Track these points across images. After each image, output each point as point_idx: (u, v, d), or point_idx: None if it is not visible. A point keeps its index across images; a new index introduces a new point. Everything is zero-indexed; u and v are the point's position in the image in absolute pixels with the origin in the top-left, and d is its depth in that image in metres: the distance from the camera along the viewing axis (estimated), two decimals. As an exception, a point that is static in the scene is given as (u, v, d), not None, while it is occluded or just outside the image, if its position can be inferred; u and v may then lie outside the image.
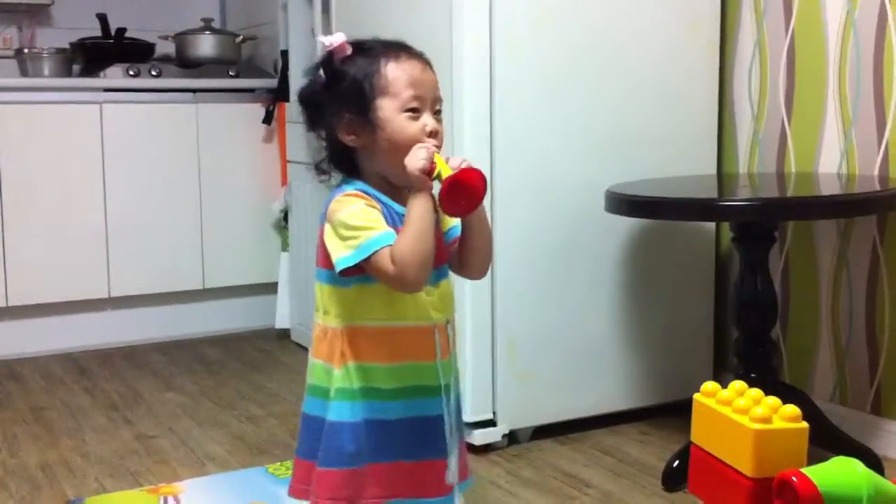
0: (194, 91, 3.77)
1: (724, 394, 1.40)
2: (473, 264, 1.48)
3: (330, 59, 1.43)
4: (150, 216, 3.70)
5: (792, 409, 1.32)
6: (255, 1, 4.23)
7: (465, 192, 1.32)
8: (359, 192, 1.41)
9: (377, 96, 1.41)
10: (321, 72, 1.44)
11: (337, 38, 1.43)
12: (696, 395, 1.47)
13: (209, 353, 3.58)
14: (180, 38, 4.03)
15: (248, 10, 4.32)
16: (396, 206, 1.43)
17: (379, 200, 1.42)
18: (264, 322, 3.86)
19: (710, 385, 1.45)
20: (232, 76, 3.92)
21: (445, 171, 1.33)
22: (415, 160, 1.35)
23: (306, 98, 1.46)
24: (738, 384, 1.42)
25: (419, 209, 1.35)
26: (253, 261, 3.86)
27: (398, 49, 1.45)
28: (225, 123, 3.81)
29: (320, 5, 3.26)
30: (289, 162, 3.67)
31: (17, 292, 3.50)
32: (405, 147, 1.37)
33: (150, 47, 4.05)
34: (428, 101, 1.42)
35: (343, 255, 1.35)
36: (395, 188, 1.45)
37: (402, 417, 1.44)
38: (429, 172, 1.35)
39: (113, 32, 3.97)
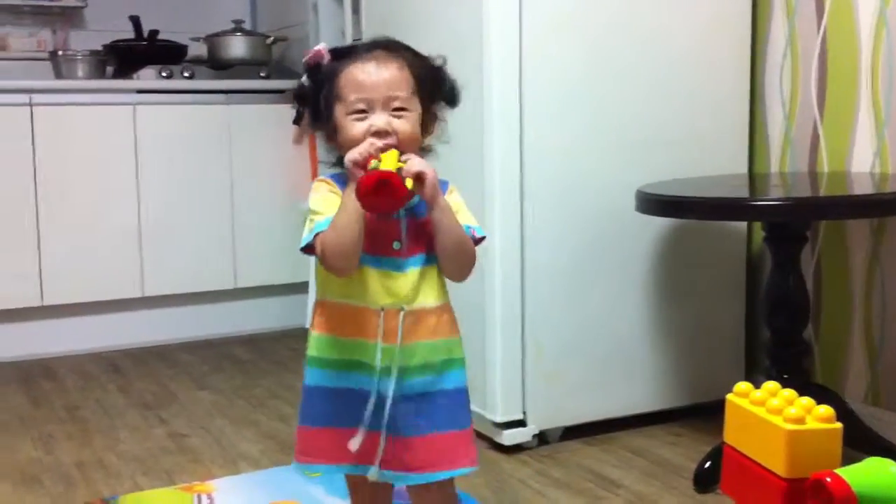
0: (226, 92, 3.80)
1: (758, 394, 1.40)
2: (442, 266, 1.52)
3: (312, 68, 1.53)
4: (183, 216, 3.73)
5: (826, 410, 1.32)
6: (286, 2, 4.26)
7: (378, 190, 1.35)
8: (327, 179, 1.51)
9: (334, 102, 1.49)
10: (304, 79, 1.55)
11: (317, 48, 1.53)
12: (729, 396, 1.46)
13: (240, 353, 3.61)
14: (212, 40, 4.07)
15: (278, 11, 4.34)
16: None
17: (342, 185, 1.49)
18: (295, 322, 3.89)
19: (742, 385, 1.45)
20: (263, 77, 3.95)
21: (386, 167, 1.38)
22: (351, 153, 1.43)
23: (298, 100, 1.58)
24: (771, 384, 1.42)
25: (346, 200, 1.43)
26: (284, 260, 3.88)
27: (360, 51, 1.50)
28: (256, 124, 3.84)
29: (350, 6, 3.28)
30: (319, 162, 3.69)
31: (51, 291, 3.54)
32: (351, 147, 1.44)
33: (182, 49, 4.09)
34: (378, 101, 1.46)
35: (303, 235, 1.48)
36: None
37: (339, 387, 1.51)
38: (364, 166, 1.40)
39: (145, 34, 4.01)
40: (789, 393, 1.37)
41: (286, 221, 3.88)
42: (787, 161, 2.70)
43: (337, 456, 1.53)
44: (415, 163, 1.41)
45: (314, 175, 3.77)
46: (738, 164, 2.71)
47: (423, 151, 1.54)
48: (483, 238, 1.52)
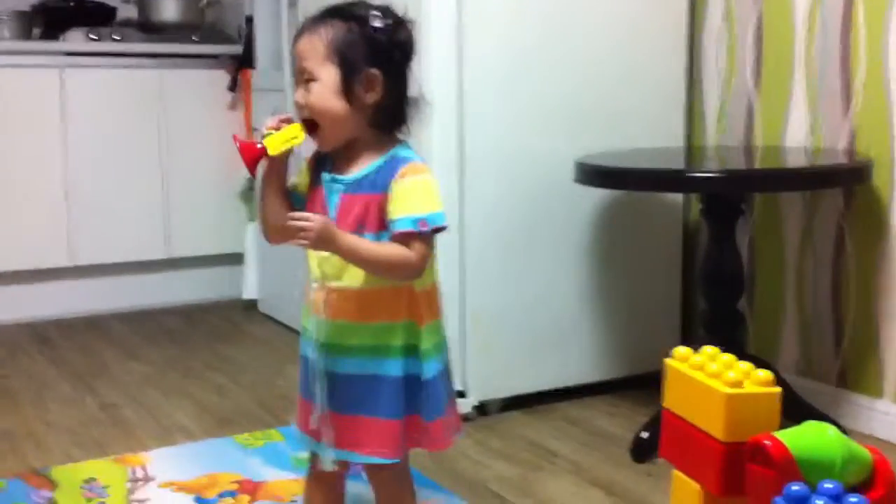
0: (157, 56, 3.71)
1: (697, 359, 1.41)
2: None
3: None
4: (113, 184, 3.64)
5: (765, 374, 1.33)
6: (220, -36, 4.16)
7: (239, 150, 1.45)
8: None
9: None
10: None
11: None
12: (668, 360, 1.47)
13: (173, 324, 3.55)
14: (143, 2, 3.95)
15: (212, -27, 4.24)
16: (328, 166, 1.53)
17: (317, 159, 1.55)
18: (229, 293, 3.83)
19: (682, 350, 1.46)
20: (195, 41, 3.86)
21: (275, 139, 1.45)
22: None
23: None
24: (709, 349, 1.43)
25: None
26: (218, 230, 3.82)
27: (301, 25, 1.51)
28: (189, 90, 3.75)
29: (287, -31, 3.21)
30: (254, 130, 3.62)
31: (-25, 260, 3.44)
32: None
33: (111, 10, 3.98)
34: (297, 73, 1.48)
35: None
36: (337, 152, 1.53)
37: (302, 354, 1.56)
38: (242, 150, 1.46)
39: (74, -5, 3.89)
40: (728, 357, 1.38)
41: (220, 190, 3.81)
42: (723, 135, 2.73)
43: (304, 428, 1.56)
44: (297, 215, 1.39)
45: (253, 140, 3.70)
46: (676, 138, 2.74)
47: (372, 112, 1.47)
48: (439, 228, 1.45)
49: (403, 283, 1.48)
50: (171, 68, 3.72)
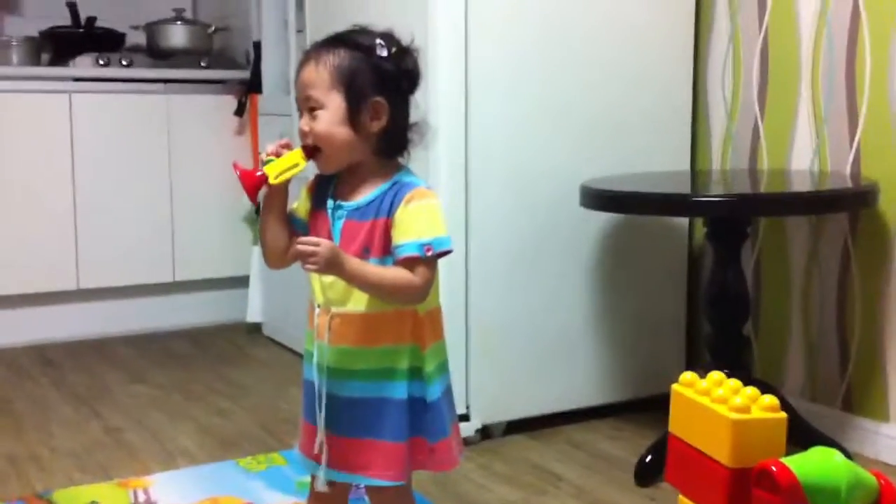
0: (165, 81, 3.73)
1: (703, 384, 1.40)
2: None
3: None
4: (120, 208, 3.66)
5: (771, 400, 1.33)
6: (228, -9, 4.19)
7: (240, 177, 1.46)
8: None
9: None
10: None
11: None
12: (675, 386, 1.47)
13: (179, 347, 3.55)
14: (151, 28, 3.99)
15: (220, 0, 4.28)
16: (328, 194, 1.52)
17: (319, 184, 1.55)
18: (234, 316, 3.83)
19: (688, 375, 1.45)
20: (203, 67, 3.88)
21: (274, 165, 1.46)
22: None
23: None
24: (716, 374, 1.42)
25: None
26: (224, 254, 3.83)
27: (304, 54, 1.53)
28: (196, 115, 3.78)
29: (294, -4, 3.23)
30: (261, 154, 3.63)
31: (-19, 283, 3.45)
32: None
33: (120, 37, 4.01)
34: (301, 102, 1.49)
35: None
36: (340, 176, 1.53)
37: (305, 378, 1.56)
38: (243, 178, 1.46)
39: (83, 21, 3.91)
40: (734, 383, 1.38)
41: (226, 214, 3.82)
42: (729, 158, 2.73)
43: (307, 451, 1.55)
44: (305, 240, 1.39)
45: (256, 167, 3.71)
46: (681, 161, 2.74)
47: (377, 139, 1.49)
48: (443, 253, 1.45)
49: (407, 307, 1.49)
50: (179, 93, 3.74)
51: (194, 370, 3.23)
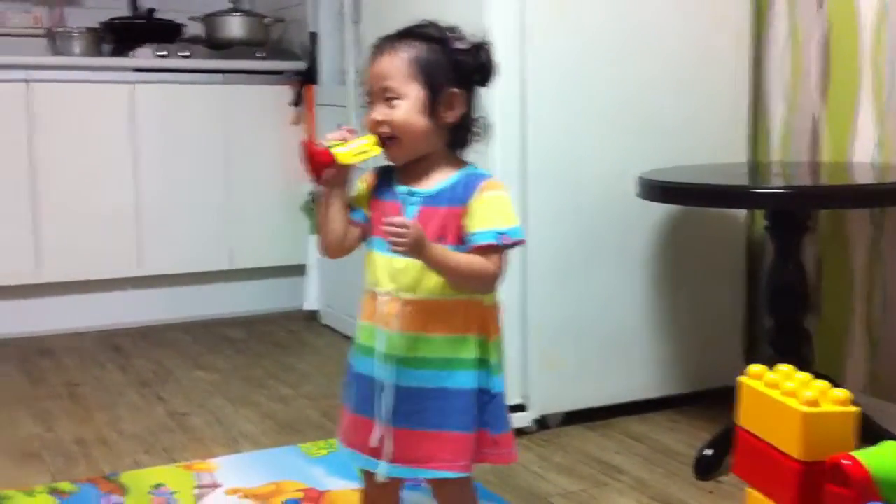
0: (223, 72, 3.78)
1: (772, 376, 1.40)
2: None
3: None
4: (179, 196, 3.72)
5: (842, 393, 1.33)
6: (284, -18, 4.24)
7: (304, 156, 1.47)
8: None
9: None
10: None
11: None
12: (743, 378, 1.47)
13: (236, 334, 3.61)
14: (209, 19, 4.05)
15: (276, -9, 4.32)
16: (395, 181, 1.54)
17: (379, 174, 1.57)
18: (290, 304, 3.88)
19: (756, 368, 1.45)
20: (260, 58, 3.93)
21: (345, 153, 1.46)
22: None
23: None
24: (784, 367, 1.42)
25: None
26: (280, 243, 3.88)
27: (376, 44, 1.54)
28: (253, 105, 3.82)
29: (350, -14, 3.26)
30: (316, 145, 3.67)
31: (48, 269, 3.53)
32: None
33: (179, 28, 4.07)
34: (375, 93, 1.50)
35: None
36: (404, 165, 1.54)
37: (360, 373, 1.55)
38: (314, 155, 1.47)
39: (143, 12, 3.98)
40: (804, 376, 1.38)
41: (282, 203, 3.87)
42: (789, 151, 2.71)
43: (360, 446, 1.54)
44: (396, 220, 1.40)
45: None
46: (738, 153, 2.72)
47: (448, 130, 1.52)
48: (518, 242, 1.48)
49: (474, 297, 1.50)
50: (237, 84, 3.80)
51: (253, 357, 3.29)
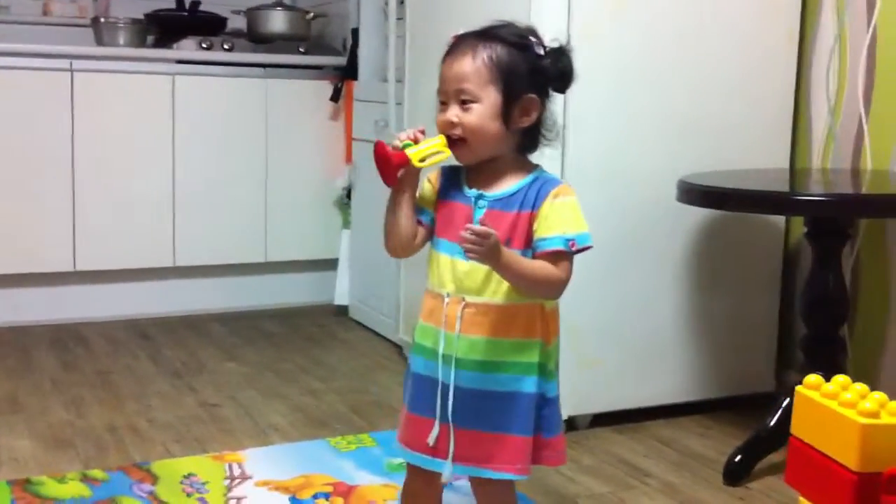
0: (264, 66, 3.80)
1: (829, 387, 1.39)
2: None
3: None
4: (217, 188, 3.74)
5: (901, 405, 1.31)
6: (327, -22, 4.25)
7: (376, 157, 1.45)
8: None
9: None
10: None
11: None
12: (799, 388, 1.46)
13: (269, 326, 3.63)
14: (252, 13, 4.07)
15: (318, -13, 4.34)
16: (463, 183, 1.53)
17: (446, 174, 1.56)
18: (322, 298, 3.89)
19: (813, 378, 1.44)
20: (302, 53, 3.94)
21: (418, 153, 1.45)
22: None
23: None
24: (841, 378, 1.41)
25: None
26: (314, 236, 3.90)
27: (452, 44, 1.51)
28: (293, 99, 3.84)
29: (393, -18, 3.26)
30: (354, 140, 3.68)
31: (85, 257, 3.56)
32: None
33: (222, 21, 4.10)
34: (450, 94, 1.48)
35: None
36: (472, 167, 1.53)
37: (418, 372, 1.54)
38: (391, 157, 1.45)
39: (187, 5, 4.01)
40: (861, 387, 1.37)
41: (318, 198, 3.89)
42: (830, 157, 2.68)
43: (416, 445, 1.53)
44: (479, 230, 1.37)
45: (349, 152, 3.78)
46: (779, 159, 2.70)
47: (520, 136, 1.51)
48: (586, 248, 1.47)
49: (537, 301, 1.49)
50: (277, 78, 3.81)
51: (284, 350, 3.30)
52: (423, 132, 1.49)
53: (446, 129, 1.47)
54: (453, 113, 1.47)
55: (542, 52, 1.48)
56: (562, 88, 1.52)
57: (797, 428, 1.44)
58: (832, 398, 1.37)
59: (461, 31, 1.51)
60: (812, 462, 1.38)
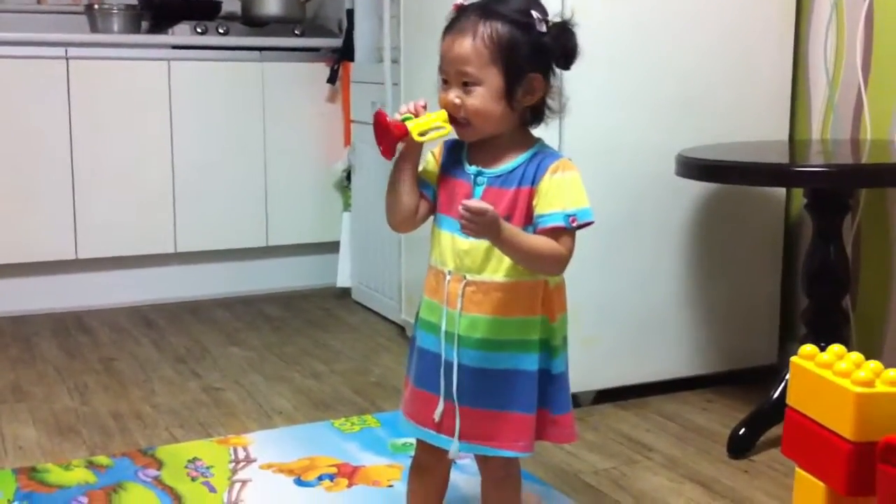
0: (260, 49, 3.79)
1: (824, 357, 1.38)
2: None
3: None
4: (216, 173, 3.74)
5: (896, 374, 1.31)
6: (321, -41, 4.23)
7: (375, 128, 1.44)
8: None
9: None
10: None
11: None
12: (794, 358, 1.45)
13: (271, 311, 3.63)
14: (246, -3, 4.05)
15: (313, -32, 4.31)
16: (464, 159, 1.52)
17: (448, 149, 1.55)
18: (324, 281, 3.90)
19: (808, 348, 1.43)
20: (297, 35, 3.93)
21: (418, 123, 1.44)
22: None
23: None
24: (836, 348, 1.40)
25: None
26: (315, 220, 3.89)
27: (452, 20, 1.48)
28: (290, 82, 3.83)
29: (388, -36, 3.24)
30: (352, 122, 3.67)
31: (86, 245, 3.57)
32: None
33: (216, 5, 4.08)
34: (451, 75, 1.45)
35: None
36: (472, 143, 1.52)
37: (421, 347, 1.53)
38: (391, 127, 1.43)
39: (180, -11, 3.99)
40: (856, 356, 1.36)
41: (318, 181, 3.88)
42: (829, 128, 2.67)
43: (423, 420, 1.52)
44: (474, 206, 1.35)
45: (347, 134, 3.77)
46: (779, 131, 2.68)
47: (524, 112, 1.49)
48: (587, 223, 1.45)
49: (539, 278, 1.48)
50: (273, 61, 3.80)
51: (287, 333, 3.31)
52: (424, 107, 1.47)
53: (449, 109, 1.45)
54: (455, 94, 1.45)
55: (544, 28, 1.44)
56: (566, 66, 1.49)
57: (793, 398, 1.43)
58: (827, 368, 1.37)
59: (464, 1, 1.48)
60: (808, 432, 1.38)
